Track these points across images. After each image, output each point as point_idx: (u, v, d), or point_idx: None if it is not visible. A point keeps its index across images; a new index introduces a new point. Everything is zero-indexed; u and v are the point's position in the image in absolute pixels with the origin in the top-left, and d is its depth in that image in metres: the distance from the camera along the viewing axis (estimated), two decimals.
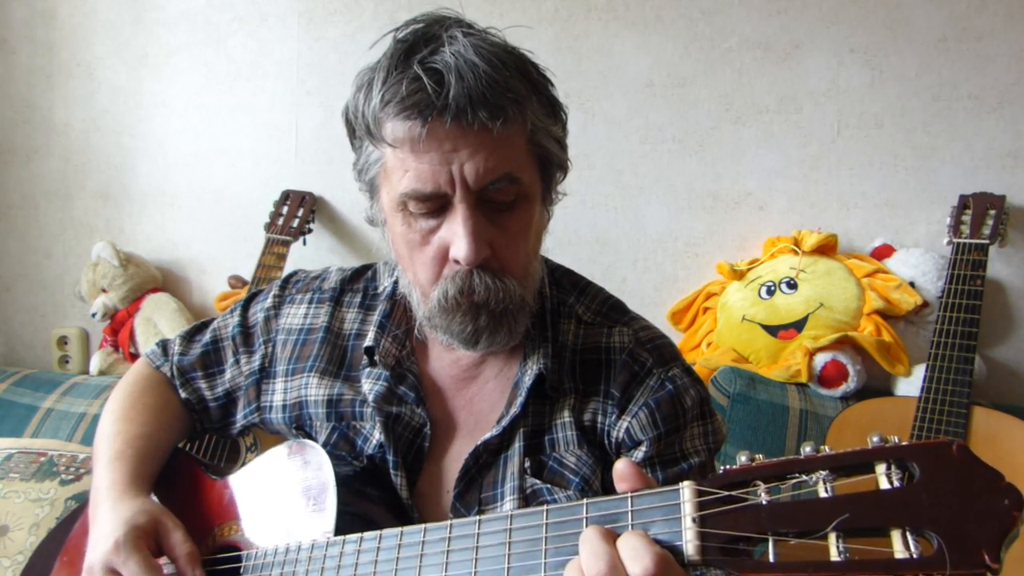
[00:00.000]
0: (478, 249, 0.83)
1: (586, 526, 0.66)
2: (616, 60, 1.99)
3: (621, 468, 0.67)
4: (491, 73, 0.79)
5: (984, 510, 0.52)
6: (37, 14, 2.27)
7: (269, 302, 1.09)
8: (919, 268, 1.80)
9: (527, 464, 0.92)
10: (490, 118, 0.79)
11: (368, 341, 0.99)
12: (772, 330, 1.81)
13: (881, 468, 0.56)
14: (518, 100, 0.82)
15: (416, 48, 0.81)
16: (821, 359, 1.72)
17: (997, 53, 1.82)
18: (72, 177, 2.29)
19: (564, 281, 1.03)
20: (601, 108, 2.00)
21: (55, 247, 2.33)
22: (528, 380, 0.93)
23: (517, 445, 0.92)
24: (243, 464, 1.03)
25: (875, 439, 0.57)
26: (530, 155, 0.87)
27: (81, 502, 1.32)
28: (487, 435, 0.93)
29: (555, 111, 0.89)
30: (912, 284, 1.78)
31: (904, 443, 0.56)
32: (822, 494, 0.57)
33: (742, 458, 0.61)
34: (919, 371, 1.68)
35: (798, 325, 1.79)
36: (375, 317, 1.02)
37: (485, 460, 0.93)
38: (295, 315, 1.07)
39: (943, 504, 0.53)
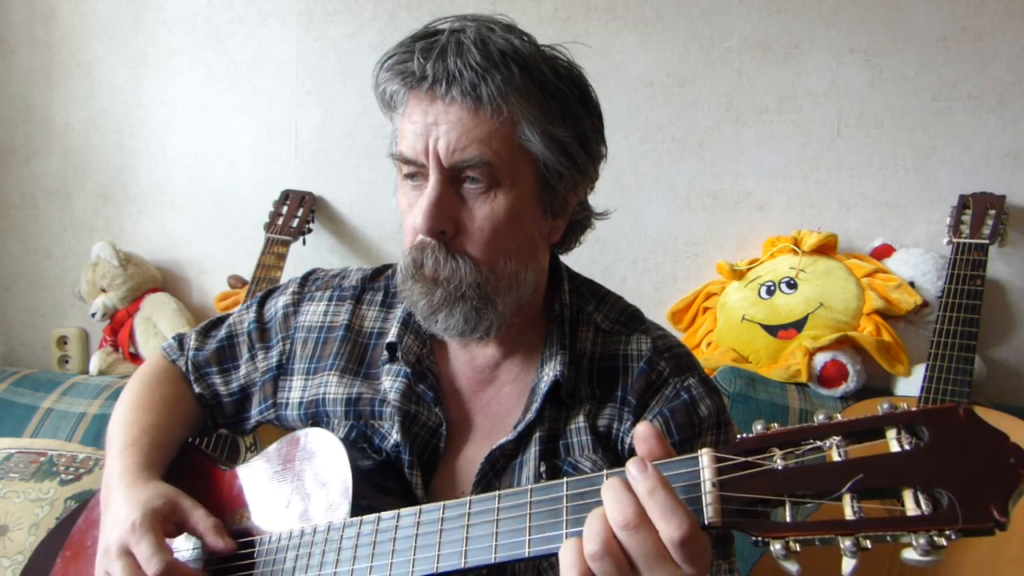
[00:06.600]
0: (431, 218, 0.85)
1: None
2: (616, 60, 1.99)
3: (642, 430, 0.68)
4: (477, 58, 0.82)
5: (991, 468, 0.55)
6: (37, 14, 2.27)
7: (288, 298, 1.09)
8: (919, 268, 1.79)
9: (542, 468, 0.92)
10: (461, 95, 0.82)
11: (391, 337, 0.99)
12: (772, 330, 1.81)
13: (892, 433, 0.59)
14: (501, 89, 0.82)
15: (430, 31, 0.86)
16: (821, 359, 1.72)
17: (997, 53, 1.82)
18: (72, 177, 2.29)
19: (584, 289, 1.04)
20: (601, 108, 2.00)
21: (55, 247, 2.33)
22: (544, 387, 0.93)
23: (533, 450, 0.93)
24: (244, 463, 1.02)
25: (885, 406, 0.60)
26: (518, 150, 0.86)
27: (81, 502, 1.32)
28: (503, 439, 0.93)
29: (564, 116, 0.88)
30: (912, 284, 1.78)
31: (913, 409, 0.59)
32: (836, 459, 0.59)
33: (758, 427, 0.64)
34: (919, 371, 1.68)
35: (798, 325, 1.79)
36: (397, 314, 1.02)
37: (501, 465, 0.93)
38: (315, 312, 1.07)
39: (952, 464, 0.56)
